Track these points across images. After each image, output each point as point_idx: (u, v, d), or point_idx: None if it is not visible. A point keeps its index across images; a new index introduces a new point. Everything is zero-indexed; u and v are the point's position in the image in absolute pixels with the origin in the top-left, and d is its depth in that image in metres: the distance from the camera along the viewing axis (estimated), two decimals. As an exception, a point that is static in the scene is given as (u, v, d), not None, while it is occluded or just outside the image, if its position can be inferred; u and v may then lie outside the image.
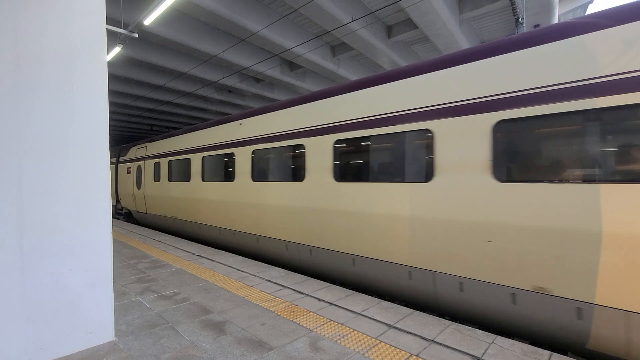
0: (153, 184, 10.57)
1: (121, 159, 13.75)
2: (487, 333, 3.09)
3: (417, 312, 3.59)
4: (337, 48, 12.77)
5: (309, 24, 10.98)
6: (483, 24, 11.51)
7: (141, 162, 11.58)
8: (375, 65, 14.27)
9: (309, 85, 15.61)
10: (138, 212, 12.12)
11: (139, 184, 11.71)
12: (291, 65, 14.29)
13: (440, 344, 2.90)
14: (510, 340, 2.95)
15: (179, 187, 9.00)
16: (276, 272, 5.14)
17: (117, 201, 14.11)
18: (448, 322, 3.32)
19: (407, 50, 12.87)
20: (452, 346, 2.85)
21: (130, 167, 12.56)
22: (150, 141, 11.40)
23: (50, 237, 2.63)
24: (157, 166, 10.40)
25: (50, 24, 2.67)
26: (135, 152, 12.33)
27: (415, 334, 3.08)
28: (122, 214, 14.01)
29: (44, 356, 2.60)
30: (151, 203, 10.84)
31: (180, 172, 8.99)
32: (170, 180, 9.51)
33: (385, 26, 11.20)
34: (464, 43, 10.98)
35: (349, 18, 9.26)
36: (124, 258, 6.16)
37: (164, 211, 10.08)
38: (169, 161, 9.60)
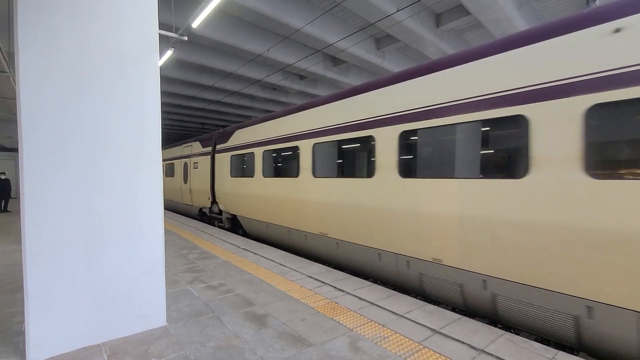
0: None
1: None
2: (546, 347, 2.79)
3: (465, 318, 3.36)
4: (382, 40, 12.40)
5: (353, 18, 10.77)
6: (546, 4, 10.39)
7: None
8: (422, 56, 13.64)
9: (352, 80, 15.40)
10: None
11: None
12: (334, 60, 14.19)
13: (491, 354, 2.67)
14: (575, 357, 2.63)
15: None
16: (317, 268, 5.15)
17: None
18: (500, 332, 3.06)
19: (458, 38, 12.09)
20: (505, 358, 2.61)
21: None
22: None
23: (111, 228, 2.87)
24: None
25: (111, 33, 2.88)
26: None
27: (462, 342, 2.88)
28: None
29: (106, 335, 2.85)
30: None
31: None
32: None
33: (433, 14, 10.61)
34: (522, 27, 10.03)
35: (394, 8, 8.91)
36: (177, 248, 6.60)
37: None
38: None
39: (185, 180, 12.66)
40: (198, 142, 11.97)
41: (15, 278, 4.62)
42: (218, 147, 10.28)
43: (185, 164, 12.77)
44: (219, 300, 3.80)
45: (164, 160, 15.69)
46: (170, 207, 15.51)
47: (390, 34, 10.96)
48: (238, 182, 8.82)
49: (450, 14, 10.38)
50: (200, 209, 11.80)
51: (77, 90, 2.72)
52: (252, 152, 8.10)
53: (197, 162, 11.67)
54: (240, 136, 8.95)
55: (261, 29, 11.23)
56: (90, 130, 2.78)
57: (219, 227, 10.62)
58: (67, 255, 2.67)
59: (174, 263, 5.44)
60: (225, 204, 9.68)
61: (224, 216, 9.99)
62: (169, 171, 15.19)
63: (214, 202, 10.55)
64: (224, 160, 9.72)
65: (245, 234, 9.43)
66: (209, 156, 10.70)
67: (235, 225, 9.91)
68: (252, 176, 8.08)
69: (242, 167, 8.76)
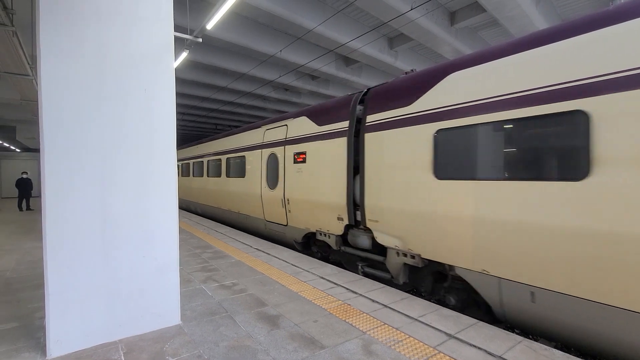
0: None
1: None
2: (568, 355, 2.69)
3: (481, 323, 3.28)
4: (395, 40, 12.29)
5: (365, 17, 10.71)
6: (566, 0, 10.09)
7: None
8: (436, 55, 13.45)
9: (365, 80, 15.32)
10: None
11: None
12: (347, 60, 14.15)
13: (510, 362, 2.59)
14: (599, 367, 2.51)
15: None
16: (329, 269, 5.12)
17: None
18: (519, 338, 2.97)
19: (473, 36, 11.87)
20: (524, 366, 2.53)
21: None
22: None
23: (127, 228, 2.91)
24: None
25: (128, 36, 2.93)
26: None
27: (479, 348, 2.80)
28: None
29: (122, 333, 2.90)
30: None
31: None
32: None
33: (448, 12, 10.45)
34: (541, 24, 9.75)
35: (408, 7, 8.80)
36: (191, 247, 6.68)
37: None
38: None
39: (273, 185, 7.63)
40: (304, 118, 6.77)
41: (37, 274, 4.77)
42: (370, 118, 5.10)
43: (273, 156, 7.73)
44: (232, 300, 3.82)
45: (222, 153, 10.98)
46: (238, 224, 10.03)
47: (404, 33, 10.85)
48: (483, 192, 3.65)
49: (465, 12, 10.20)
50: (308, 236, 6.87)
51: (95, 92, 2.78)
52: (581, 112, 3.00)
53: (302, 153, 6.64)
54: (484, 81, 3.72)
55: (274, 29, 11.29)
56: (107, 131, 2.83)
57: (367, 274, 5.53)
58: (85, 254, 2.73)
59: (188, 262, 5.51)
60: (403, 236, 4.61)
61: (392, 260, 4.83)
62: (236, 170, 9.73)
63: (354, 225, 5.55)
64: (406, 144, 4.52)
65: (464, 307, 4.34)
66: (340, 139, 5.69)
67: (416, 280, 4.87)
68: (577, 178, 3.02)
69: (504, 158, 3.52)
